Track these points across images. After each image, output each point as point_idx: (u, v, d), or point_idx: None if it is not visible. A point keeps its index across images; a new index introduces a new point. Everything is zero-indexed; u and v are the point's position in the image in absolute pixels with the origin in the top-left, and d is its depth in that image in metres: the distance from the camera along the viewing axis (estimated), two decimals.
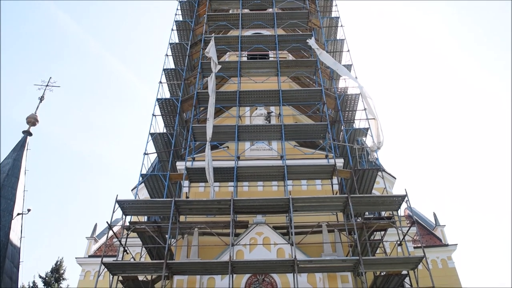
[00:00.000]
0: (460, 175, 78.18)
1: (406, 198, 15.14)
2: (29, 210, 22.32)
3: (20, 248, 21.54)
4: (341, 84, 21.84)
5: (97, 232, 23.93)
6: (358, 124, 20.03)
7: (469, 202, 75.05)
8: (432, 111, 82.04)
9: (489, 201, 72.66)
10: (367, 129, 18.69)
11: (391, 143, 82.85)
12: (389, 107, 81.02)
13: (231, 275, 12.84)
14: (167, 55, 22.51)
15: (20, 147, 23.98)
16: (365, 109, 18.83)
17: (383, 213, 19.33)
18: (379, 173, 17.11)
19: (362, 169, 16.79)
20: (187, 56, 22.29)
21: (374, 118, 18.28)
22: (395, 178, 23.96)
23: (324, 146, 18.05)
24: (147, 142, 18.11)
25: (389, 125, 79.76)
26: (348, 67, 20.81)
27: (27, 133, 24.32)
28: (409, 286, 14.74)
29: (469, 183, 76.56)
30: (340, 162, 17.36)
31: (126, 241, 15.41)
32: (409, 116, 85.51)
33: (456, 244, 22.52)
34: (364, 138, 19.78)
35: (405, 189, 15.19)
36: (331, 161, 16.83)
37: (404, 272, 14.65)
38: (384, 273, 14.55)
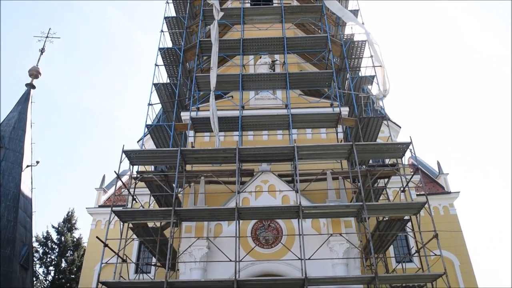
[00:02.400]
0: (465, 124, 77.94)
1: (410, 146, 15.17)
2: (37, 162, 22.69)
3: (31, 199, 22.13)
4: (347, 30, 21.26)
5: (106, 183, 24.40)
6: (364, 71, 19.74)
7: (473, 151, 75.39)
8: (438, 59, 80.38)
9: (492, 149, 72.94)
10: (373, 77, 18.42)
11: (397, 92, 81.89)
12: (395, 55, 79.39)
13: (237, 221, 13.19)
14: (168, 2, 21.79)
15: (24, 100, 23.96)
16: (371, 56, 18.45)
17: (387, 162, 19.51)
18: (384, 121, 17.06)
19: (367, 117, 16.72)
20: (188, 3, 21.57)
21: (380, 66, 17.97)
22: (400, 127, 23.91)
23: (329, 94, 17.90)
24: (151, 93, 18.03)
25: (395, 73, 78.51)
26: (355, 12, 20.13)
27: (30, 86, 24.18)
28: (411, 231, 15.15)
29: (473, 132, 76.49)
30: (345, 110, 17.27)
31: (134, 191, 15.77)
32: (416, 63, 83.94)
33: (459, 192, 22.77)
34: (369, 86, 19.53)
35: (410, 137, 15.21)
36: (336, 110, 16.74)
37: (406, 217, 14.99)
38: (387, 218, 14.90)
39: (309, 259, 12.62)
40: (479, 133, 75.68)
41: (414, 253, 15.51)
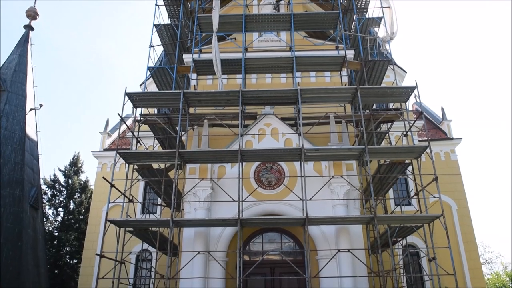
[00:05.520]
0: (471, 71, 76.56)
1: (415, 91, 14.98)
2: (41, 106, 22.71)
3: (37, 142, 22.39)
4: None
5: (110, 127, 24.54)
6: (372, 13, 19.06)
7: (478, 97, 74.67)
8: (448, 4, 77.35)
9: (497, 96, 72.18)
10: (380, 19, 17.84)
11: (404, 36, 79.70)
12: None
13: (240, 163, 13.38)
14: None
15: (23, 42, 23.53)
16: None
17: (390, 107, 19.38)
18: (390, 65, 16.74)
19: (372, 60, 16.37)
20: None
21: (388, 7, 17.34)
22: (406, 72, 23.50)
23: (335, 36, 17.44)
24: (152, 34, 17.60)
25: (403, 16, 76.02)
26: None
27: (29, 27, 23.67)
28: (411, 174, 15.36)
29: (479, 79, 75.31)
30: (350, 53, 16.92)
31: (138, 134, 15.88)
32: (424, 7, 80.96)
33: (461, 138, 22.78)
34: (376, 29, 18.95)
35: (415, 81, 15.00)
36: (342, 53, 16.40)
37: (407, 161, 15.14)
38: (388, 162, 15.05)
39: (310, 199, 12.95)
40: (484, 80, 74.53)
41: (413, 196, 15.82)
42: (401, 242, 16.13)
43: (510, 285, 40.89)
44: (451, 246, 13.17)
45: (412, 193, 19.39)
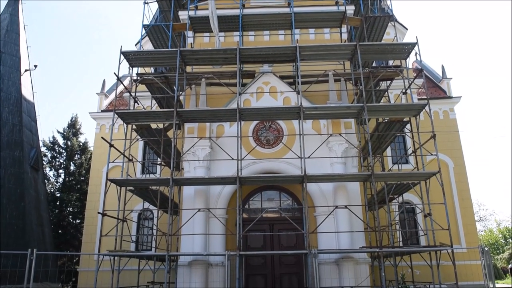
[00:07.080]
0: (473, 29, 75.02)
1: (416, 48, 14.71)
2: (35, 66, 22.39)
3: (34, 103, 22.24)
4: None
5: (106, 88, 24.28)
6: None
7: (478, 57, 73.69)
8: None
9: (497, 55, 71.21)
10: None
11: None
12: None
13: (239, 122, 13.36)
14: None
15: (14, 0, 22.89)
16: None
17: (390, 65, 19.14)
18: (391, 22, 16.37)
19: (373, 16, 15.97)
20: None
21: None
22: (407, 29, 22.98)
23: None
24: None
25: None
26: None
27: None
28: (409, 131, 15.41)
29: (480, 37, 73.95)
30: (350, 9, 16.52)
31: (135, 93, 15.73)
32: None
33: (460, 97, 22.65)
34: None
35: (416, 37, 14.72)
36: (341, 8, 16.02)
37: (406, 119, 15.14)
38: (387, 120, 15.05)
39: (308, 157, 13.04)
40: (485, 38, 73.23)
41: (411, 154, 15.94)
42: (397, 199, 16.40)
43: (503, 241, 42.13)
44: (447, 203, 13.39)
45: (409, 151, 19.53)
